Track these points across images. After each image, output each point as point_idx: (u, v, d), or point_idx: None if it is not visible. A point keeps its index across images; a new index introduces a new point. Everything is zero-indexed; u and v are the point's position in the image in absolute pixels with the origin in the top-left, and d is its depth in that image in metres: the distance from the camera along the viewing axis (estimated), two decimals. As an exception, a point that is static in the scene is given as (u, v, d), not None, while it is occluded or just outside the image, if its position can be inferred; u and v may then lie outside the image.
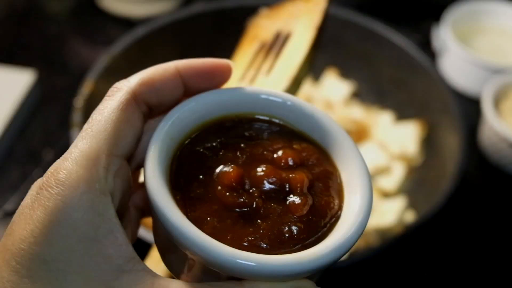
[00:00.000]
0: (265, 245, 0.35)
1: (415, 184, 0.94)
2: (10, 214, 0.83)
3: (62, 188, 0.34)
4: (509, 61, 1.10)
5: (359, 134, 0.99)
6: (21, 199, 0.35)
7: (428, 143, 0.97)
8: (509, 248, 0.89)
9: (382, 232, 0.87)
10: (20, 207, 0.35)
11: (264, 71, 0.54)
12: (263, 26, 0.61)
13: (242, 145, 0.40)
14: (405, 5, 1.28)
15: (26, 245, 0.33)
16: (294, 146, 0.41)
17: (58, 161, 0.35)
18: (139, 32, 0.98)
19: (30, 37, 1.20)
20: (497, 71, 1.05)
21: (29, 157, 0.97)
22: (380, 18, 1.04)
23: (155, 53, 0.98)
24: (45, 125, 1.03)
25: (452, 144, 0.88)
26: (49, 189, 0.34)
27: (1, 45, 1.18)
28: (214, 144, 0.40)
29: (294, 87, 0.52)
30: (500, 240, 0.91)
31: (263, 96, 0.42)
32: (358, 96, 1.08)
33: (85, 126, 0.37)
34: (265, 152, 0.40)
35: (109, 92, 0.39)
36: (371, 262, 0.78)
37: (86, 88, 0.88)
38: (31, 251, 0.33)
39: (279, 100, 0.42)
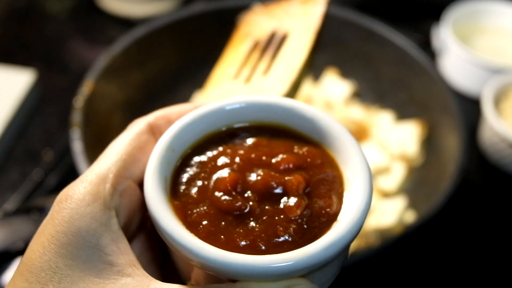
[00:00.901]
0: (260, 247, 0.36)
1: (415, 184, 0.94)
2: (10, 214, 0.83)
3: (70, 201, 0.37)
4: (509, 61, 1.10)
5: (359, 134, 0.99)
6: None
7: (428, 143, 0.97)
8: (509, 248, 0.89)
9: (382, 232, 0.87)
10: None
11: (261, 71, 0.54)
12: (256, 23, 0.60)
13: (242, 151, 0.41)
14: (405, 5, 1.28)
15: (36, 256, 0.36)
16: (295, 150, 0.41)
17: (73, 181, 0.39)
18: (138, 32, 0.97)
19: (30, 37, 1.20)
20: (497, 71, 1.05)
21: (29, 157, 0.97)
22: (380, 18, 1.04)
23: (154, 53, 0.98)
24: (45, 125, 1.03)
25: (452, 144, 0.87)
26: (60, 204, 0.37)
27: (1, 45, 1.18)
28: (215, 152, 0.42)
29: (293, 90, 0.52)
30: (500, 240, 0.90)
31: (267, 104, 0.43)
32: (358, 96, 1.08)
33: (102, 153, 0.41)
34: (264, 158, 0.41)
35: (128, 126, 0.42)
36: (371, 262, 0.78)
37: (86, 88, 0.88)
38: (40, 260, 0.36)
39: (283, 106, 0.43)
